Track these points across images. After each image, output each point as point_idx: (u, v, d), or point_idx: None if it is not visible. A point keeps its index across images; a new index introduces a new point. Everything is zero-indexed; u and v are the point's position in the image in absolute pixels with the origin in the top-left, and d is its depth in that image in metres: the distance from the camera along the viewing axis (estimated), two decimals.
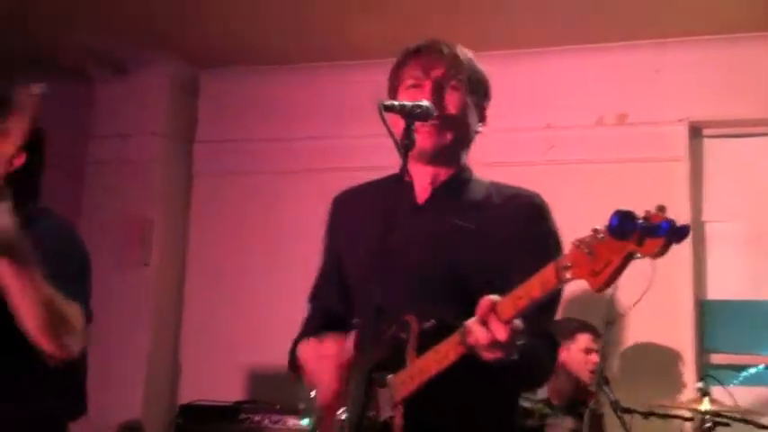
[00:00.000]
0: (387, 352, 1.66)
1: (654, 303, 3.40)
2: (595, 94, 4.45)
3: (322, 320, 2.01)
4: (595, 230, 1.32)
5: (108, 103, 4.96)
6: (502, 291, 1.51)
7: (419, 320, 1.65)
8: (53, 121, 2.31)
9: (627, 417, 3.53)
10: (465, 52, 1.95)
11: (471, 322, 1.51)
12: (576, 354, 3.70)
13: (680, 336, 4.13)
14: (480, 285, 1.56)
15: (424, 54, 1.91)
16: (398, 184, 1.72)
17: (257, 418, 3.99)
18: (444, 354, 1.58)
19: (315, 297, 2.11)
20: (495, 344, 1.49)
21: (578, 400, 3.71)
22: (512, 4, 4.05)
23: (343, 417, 1.71)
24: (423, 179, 1.91)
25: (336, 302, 1.99)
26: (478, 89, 1.94)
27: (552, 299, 1.72)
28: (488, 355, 1.52)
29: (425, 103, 1.77)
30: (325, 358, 1.76)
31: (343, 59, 4.74)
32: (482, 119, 1.97)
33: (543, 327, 1.75)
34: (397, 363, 1.66)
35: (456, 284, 1.54)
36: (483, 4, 4.06)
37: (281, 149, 4.85)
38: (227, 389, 4.45)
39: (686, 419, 3.60)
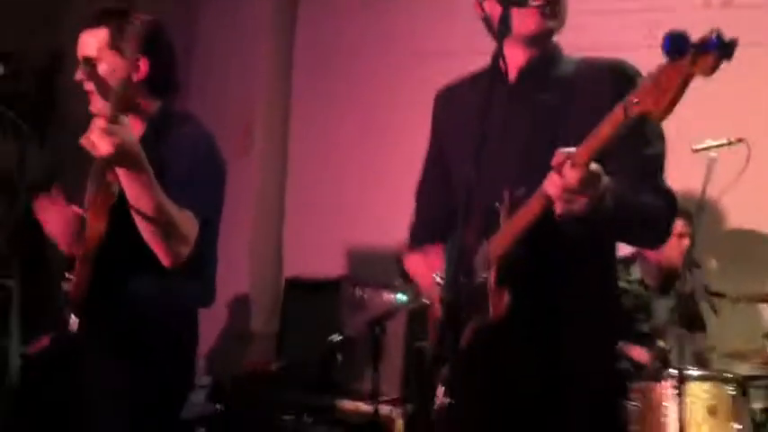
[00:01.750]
0: (482, 222, 1.76)
1: (750, 187, 3.37)
2: None
3: (428, 225, 2.08)
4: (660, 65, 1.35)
5: None
6: (601, 160, 1.54)
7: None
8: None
9: (716, 300, 3.55)
10: None
11: (549, 174, 1.55)
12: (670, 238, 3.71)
13: None
14: None
15: None
16: (493, 71, 1.72)
17: (356, 292, 4.24)
18: (530, 208, 1.64)
19: (420, 194, 2.17)
20: (570, 190, 1.52)
21: (671, 282, 3.77)
22: None
23: (439, 279, 1.83)
24: (516, 61, 1.90)
25: (441, 198, 2.04)
26: None
27: (656, 146, 1.76)
28: (567, 205, 1.54)
29: None
30: (431, 270, 1.89)
31: None
32: None
33: (650, 175, 1.77)
34: (493, 233, 1.75)
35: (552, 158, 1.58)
36: None
37: (379, 32, 4.89)
38: (326, 265, 4.69)
39: None
